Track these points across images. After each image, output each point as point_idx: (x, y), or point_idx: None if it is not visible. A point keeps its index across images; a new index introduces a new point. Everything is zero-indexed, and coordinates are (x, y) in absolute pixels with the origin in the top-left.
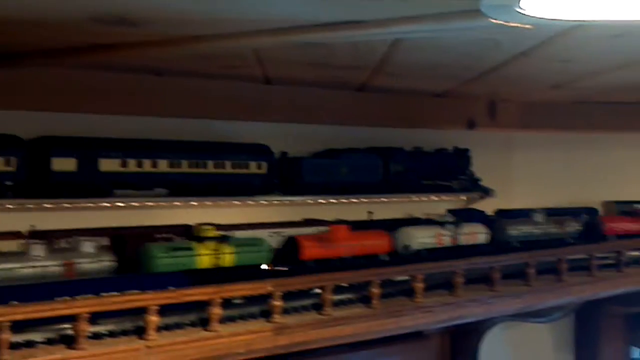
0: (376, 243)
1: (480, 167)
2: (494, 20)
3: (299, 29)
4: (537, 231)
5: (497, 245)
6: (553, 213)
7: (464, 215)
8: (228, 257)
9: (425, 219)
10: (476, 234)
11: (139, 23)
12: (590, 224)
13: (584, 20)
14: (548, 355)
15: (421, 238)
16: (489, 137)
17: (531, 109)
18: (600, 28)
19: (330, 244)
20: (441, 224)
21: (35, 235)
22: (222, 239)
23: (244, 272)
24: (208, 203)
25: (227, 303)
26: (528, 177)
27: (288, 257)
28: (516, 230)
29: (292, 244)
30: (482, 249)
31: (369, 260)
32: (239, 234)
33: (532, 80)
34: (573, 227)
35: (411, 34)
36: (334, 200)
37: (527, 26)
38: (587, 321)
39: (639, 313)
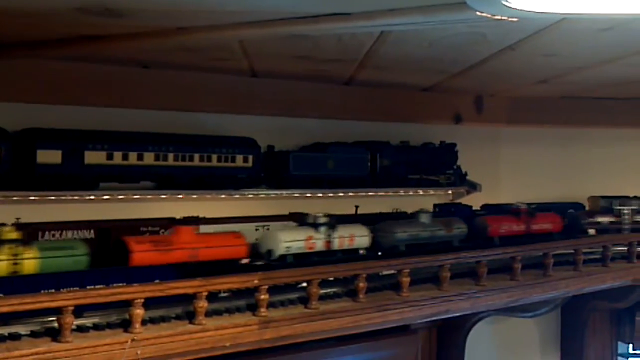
0: (230, 247)
1: (466, 162)
2: (479, 13)
3: (284, 21)
4: (425, 234)
5: (380, 249)
6: (540, 208)
7: (450, 211)
8: (30, 263)
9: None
10: (355, 237)
11: (124, 14)
12: (476, 225)
13: (569, 14)
14: (534, 350)
15: (288, 242)
16: (476, 131)
17: (518, 104)
18: (586, 21)
19: (167, 247)
20: (314, 225)
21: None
22: (24, 243)
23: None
24: (194, 196)
25: (213, 296)
26: (515, 172)
27: (117, 261)
28: (404, 233)
29: (120, 246)
30: (360, 255)
31: (218, 267)
32: (215, 227)
33: (519, 74)
34: (460, 229)
35: (397, 27)
36: (320, 194)
37: (512, 19)
38: (573, 316)
39: (625, 308)
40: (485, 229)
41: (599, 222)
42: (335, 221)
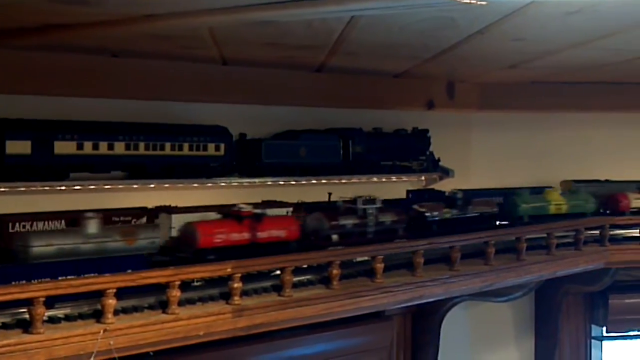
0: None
1: (439, 148)
2: None
3: (253, 7)
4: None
5: None
6: (511, 193)
7: (423, 196)
8: None
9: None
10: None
11: (92, 1)
12: (183, 234)
13: None
14: (509, 334)
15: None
16: (448, 117)
17: (489, 90)
18: (554, 5)
19: None
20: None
21: None
22: None
23: None
24: (166, 185)
25: (186, 285)
26: (487, 157)
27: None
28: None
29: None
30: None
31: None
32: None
33: (489, 59)
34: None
35: (367, 11)
36: (293, 182)
37: (481, 2)
38: (547, 300)
39: (599, 291)
40: (194, 239)
41: (343, 226)
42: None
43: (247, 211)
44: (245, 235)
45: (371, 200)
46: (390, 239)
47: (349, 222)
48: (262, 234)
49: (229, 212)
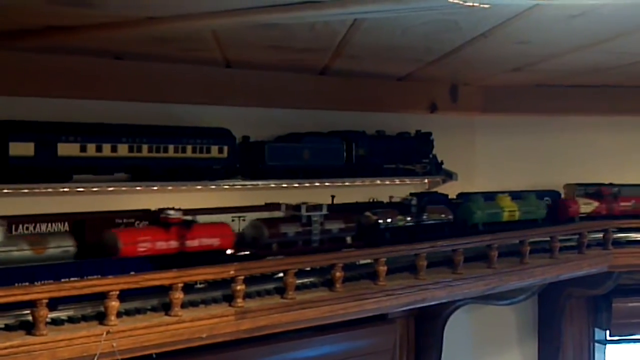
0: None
1: (442, 151)
2: (451, 0)
3: (256, 10)
4: None
5: None
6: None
7: (427, 199)
8: None
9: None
10: None
11: (95, 3)
12: (106, 241)
13: (541, 0)
14: (512, 338)
15: None
16: (451, 120)
17: (493, 93)
18: (558, 8)
19: None
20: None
21: None
22: None
23: None
24: (169, 188)
25: (189, 288)
26: (490, 160)
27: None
28: None
29: None
30: None
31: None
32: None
33: (493, 62)
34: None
35: (369, 14)
36: (296, 185)
37: (484, 5)
38: (550, 303)
39: (602, 294)
40: (115, 247)
41: (284, 234)
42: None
43: (176, 217)
44: (173, 244)
45: (317, 207)
46: (337, 248)
47: (291, 230)
48: (192, 243)
49: (156, 219)
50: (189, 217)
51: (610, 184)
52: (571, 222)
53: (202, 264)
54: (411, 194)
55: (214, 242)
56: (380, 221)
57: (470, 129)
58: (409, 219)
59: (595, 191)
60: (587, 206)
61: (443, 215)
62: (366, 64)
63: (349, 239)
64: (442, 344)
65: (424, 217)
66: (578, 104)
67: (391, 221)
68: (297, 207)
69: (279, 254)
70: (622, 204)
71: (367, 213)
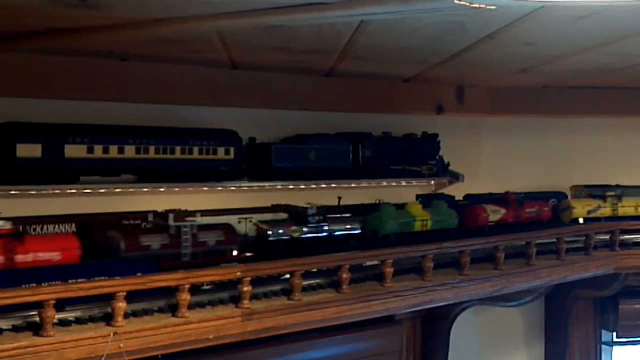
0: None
1: (449, 152)
2: (457, 1)
3: (262, 11)
4: None
5: None
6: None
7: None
8: None
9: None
10: None
11: (101, 5)
12: None
13: (547, 1)
14: (518, 339)
15: None
16: (458, 122)
17: (499, 94)
18: (564, 9)
19: None
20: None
21: None
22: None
23: None
24: (176, 189)
25: (196, 289)
26: (497, 161)
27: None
28: None
29: None
30: None
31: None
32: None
33: (499, 64)
34: None
35: (375, 16)
36: (302, 186)
37: (490, 7)
38: (556, 305)
39: (609, 296)
40: None
41: (146, 247)
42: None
43: (4, 229)
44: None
45: (187, 215)
46: (214, 262)
47: (155, 242)
48: (24, 258)
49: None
50: (19, 228)
51: (617, 185)
52: (480, 231)
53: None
54: (417, 196)
55: (54, 256)
56: (270, 232)
57: (476, 130)
58: (305, 229)
59: (501, 197)
60: (495, 214)
61: (349, 226)
62: (372, 65)
63: (229, 253)
64: (449, 346)
65: (325, 227)
66: (584, 105)
67: (283, 232)
68: (165, 216)
69: None
70: (528, 210)
71: (257, 222)
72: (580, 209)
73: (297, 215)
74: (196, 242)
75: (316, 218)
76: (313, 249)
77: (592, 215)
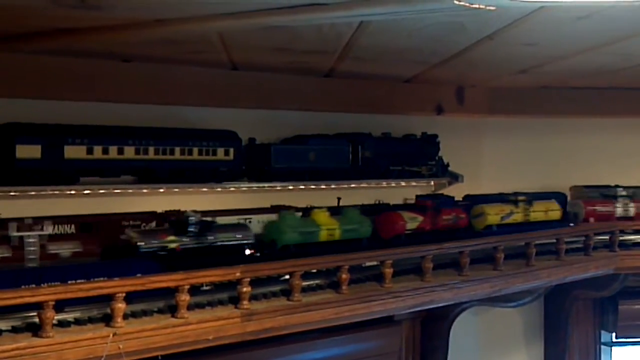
0: None
1: (448, 153)
2: (457, 2)
3: (262, 12)
4: None
5: None
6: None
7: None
8: None
9: None
10: None
11: (101, 6)
12: None
13: (547, 2)
14: (518, 340)
15: None
16: (457, 122)
17: (499, 95)
18: (564, 9)
19: None
20: None
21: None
22: None
23: None
24: (175, 190)
25: (195, 290)
26: (497, 162)
27: None
28: None
29: None
30: None
31: None
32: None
33: (499, 64)
34: None
35: (375, 17)
36: (302, 187)
37: (490, 8)
38: (556, 305)
39: (609, 297)
40: None
41: None
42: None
43: None
44: None
45: (34, 225)
46: (67, 278)
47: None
48: None
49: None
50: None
51: (617, 186)
52: (398, 240)
53: None
54: (417, 197)
55: None
56: (141, 243)
57: (476, 130)
58: (186, 240)
59: (419, 204)
60: (412, 222)
61: (240, 236)
62: (372, 66)
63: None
64: (448, 346)
65: (210, 238)
66: (584, 105)
67: (157, 243)
68: (4, 224)
69: None
70: (445, 217)
71: (128, 230)
72: (494, 215)
73: (177, 223)
74: (46, 255)
75: (198, 227)
76: (193, 263)
77: (505, 221)
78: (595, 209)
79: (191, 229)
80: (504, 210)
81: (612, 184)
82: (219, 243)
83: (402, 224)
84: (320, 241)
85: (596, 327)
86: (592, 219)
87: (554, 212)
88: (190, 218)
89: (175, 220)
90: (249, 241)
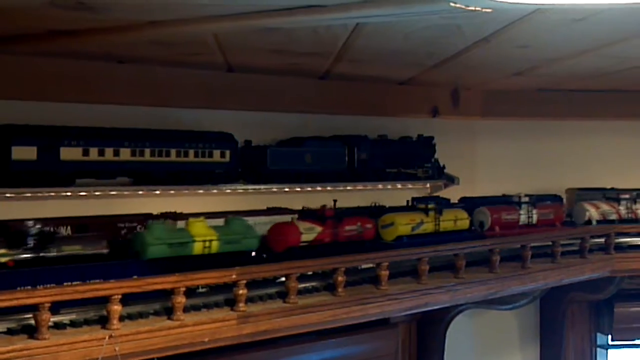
0: None
1: (444, 155)
2: (453, 4)
3: (258, 14)
4: None
5: None
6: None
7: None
8: None
9: None
10: None
11: (98, 8)
12: None
13: (543, 4)
14: (514, 342)
15: None
16: (453, 124)
17: (494, 97)
18: (560, 12)
19: None
20: None
21: None
22: None
23: None
24: (171, 192)
25: (191, 292)
26: (492, 164)
27: None
28: None
29: None
30: None
31: None
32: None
33: (494, 67)
34: None
35: (372, 19)
36: (298, 189)
37: (486, 10)
38: (552, 308)
39: (604, 299)
40: None
41: None
42: None
43: None
44: None
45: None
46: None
47: None
48: None
49: None
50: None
51: (612, 189)
52: (293, 252)
53: None
54: (412, 199)
55: None
56: None
57: (471, 133)
58: (19, 252)
59: (318, 213)
60: (309, 232)
61: (89, 249)
62: (368, 68)
63: None
64: (444, 349)
65: (53, 250)
66: (580, 108)
67: None
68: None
69: None
70: (347, 227)
71: None
72: (404, 225)
73: (13, 235)
74: None
75: (38, 238)
76: (29, 279)
77: (416, 232)
78: (500, 216)
79: (28, 241)
80: (414, 219)
81: (608, 186)
82: (61, 255)
83: (296, 236)
84: (194, 254)
85: (592, 330)
86: (497, 228)
87: (462, 221)
88: (31, 229)
89: (10, 232)
90: (101, 251)
